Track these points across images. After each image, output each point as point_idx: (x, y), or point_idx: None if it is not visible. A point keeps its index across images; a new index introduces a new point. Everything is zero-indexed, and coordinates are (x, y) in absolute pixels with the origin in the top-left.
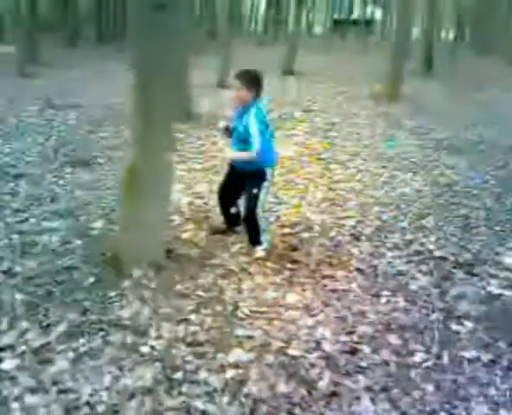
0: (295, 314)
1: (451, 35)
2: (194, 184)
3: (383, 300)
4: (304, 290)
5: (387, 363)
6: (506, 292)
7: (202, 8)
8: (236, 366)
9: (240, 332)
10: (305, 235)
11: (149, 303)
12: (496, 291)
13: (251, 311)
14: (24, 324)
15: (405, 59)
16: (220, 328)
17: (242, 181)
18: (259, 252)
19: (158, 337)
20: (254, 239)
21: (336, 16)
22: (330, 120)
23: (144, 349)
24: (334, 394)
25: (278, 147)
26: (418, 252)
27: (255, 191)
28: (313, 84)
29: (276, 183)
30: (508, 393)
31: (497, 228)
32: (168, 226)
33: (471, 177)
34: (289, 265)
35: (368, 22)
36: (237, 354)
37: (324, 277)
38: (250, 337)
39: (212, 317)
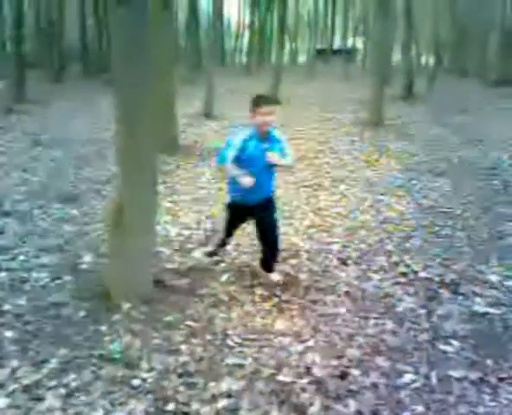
0: (285, 340)
1: (431, 61)
2: (182, 215)
3: (371, 322)
4: (293, 316)
5: (376, 386)
6: (491, 310)
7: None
8: (228, 395)
9: (230, 360)
10: (293, 261)
11: (139, 336)
12: (482, 310)
13: (241, 339)
14: (15, 362)
15: (386, 85)
16: (210, 358)
17: (248, 214)
18: (277, 276)
19: (149, 369)
20: (273, 266)
21: (318, 46)
22: (316, 147)
23: (135, 382)
24: None
25: None
26: (404, 274)
27: (275, 216)
28: (298, 112)
29: None
30: (497, 411)
31: (480, 247)
32: (155, 258)
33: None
34: (278, 292)
35: (350, 52)
36: (228, 383)
37: (313, 302)
38: (241, 365)
39: (202, 347)
